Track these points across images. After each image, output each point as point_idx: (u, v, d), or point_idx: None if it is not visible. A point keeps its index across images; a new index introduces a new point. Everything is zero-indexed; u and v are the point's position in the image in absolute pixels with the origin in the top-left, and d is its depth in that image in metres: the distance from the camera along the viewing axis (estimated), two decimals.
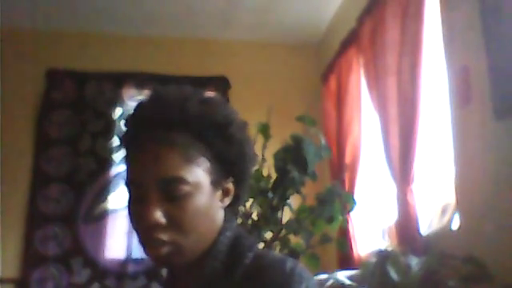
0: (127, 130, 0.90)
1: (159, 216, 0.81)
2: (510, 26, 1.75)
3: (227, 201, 0.91)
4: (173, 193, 0.82)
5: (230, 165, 0.89)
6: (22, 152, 3.64)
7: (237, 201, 0.93)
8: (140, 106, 0.89)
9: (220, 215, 0.90)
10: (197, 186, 0.84)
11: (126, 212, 0.87)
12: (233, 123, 0.88)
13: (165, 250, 0.82)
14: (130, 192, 0.86)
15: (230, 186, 0.90)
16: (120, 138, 0.93)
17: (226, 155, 0.87)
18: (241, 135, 0.90)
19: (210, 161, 0.86)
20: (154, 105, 0.87)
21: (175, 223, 0.82)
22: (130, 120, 0.89)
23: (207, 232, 0.87)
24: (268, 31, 3.98)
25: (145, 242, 0.84)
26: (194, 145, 0.85)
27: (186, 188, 0.82)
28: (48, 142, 3.69)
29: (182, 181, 0.82)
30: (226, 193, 0.90)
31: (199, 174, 0.84)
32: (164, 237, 0.82)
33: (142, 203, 0.82)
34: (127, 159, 0.89)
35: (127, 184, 0.86)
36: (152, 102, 0.87)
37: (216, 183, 0.87)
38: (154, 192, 0.82)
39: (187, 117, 0.84)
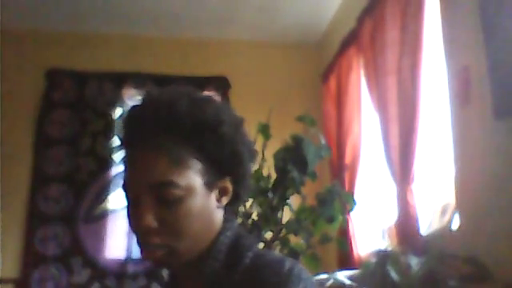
0: (122, 134, 0.90)
1: (151, 220, 0.81)
2: (510, 26, 1.75)
3: (225, 200, 0.90)
4: (165, 197, 0.82)
5: (224, 164, 0.87)
6: (21, 152, 3.64)
7: (237, 199, 0.93)
8: (131, 110, 0.89)
9: (218, 215, 0.89)
10: (189, 188, 0.83)
11: (126, 213, 0.88)
12: (223, 122, 0.86)
13: (159, 253, 0.82)
14: (126, 195, 0.86)
15: (228, 184, 0.90)
16: (119, 140, 0.93)
17: (219, 155, 0.86)
18: (233, 134, 0.88)
19: (201, 162, 0.85)
20: (144, 108, 0.87)
21: (168, 227, 0.82)
22: (123, 124, 0.89)
23: (203, 233, 0.86)
24: (268, 31, 3.98)
25: (140, 245, 0.84)
26: (184, 147, 0.84)
27: (177, 192, 0.82)
28: (48, 141, 3.70)
29: (172, 185, 0.82)
30: (223, 192, 0.89)
31: (191, 176, 0.84)
32: (157, 240, 0.82)
33: (136, 207, 0.83)
34: (123, 162, 0.89)
35: (123, 187, 0.86)
36: (142, 106, 0.87)
37: (210, 184, 0.86)
38: (146, 196, 0.82)
39: (175, 118, 0.84)
